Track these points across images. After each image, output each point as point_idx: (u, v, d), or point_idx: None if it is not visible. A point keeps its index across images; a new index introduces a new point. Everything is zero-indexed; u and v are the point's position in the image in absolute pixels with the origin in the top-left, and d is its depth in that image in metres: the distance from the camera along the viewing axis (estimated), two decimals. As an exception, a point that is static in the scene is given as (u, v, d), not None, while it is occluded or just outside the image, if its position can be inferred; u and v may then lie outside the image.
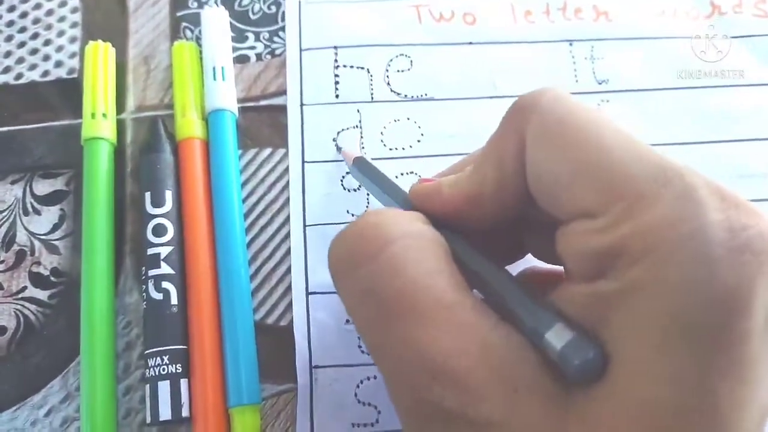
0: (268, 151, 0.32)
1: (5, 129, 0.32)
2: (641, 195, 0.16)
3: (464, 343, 0.17)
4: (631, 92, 0.33)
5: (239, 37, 0.34)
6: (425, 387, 0.17)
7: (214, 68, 0.32)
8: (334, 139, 0.31)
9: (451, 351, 0.17)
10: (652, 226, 0.16)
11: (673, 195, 0.16)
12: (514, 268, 0.26)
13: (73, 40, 0.34)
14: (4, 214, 0.31)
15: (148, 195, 0.29)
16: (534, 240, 0.24)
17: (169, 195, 0.30)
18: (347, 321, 0.28)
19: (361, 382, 0.27)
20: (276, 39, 0.34)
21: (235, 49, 0.34)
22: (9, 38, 0.34)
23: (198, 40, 0.34)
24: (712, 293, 0.15)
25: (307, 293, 0.29)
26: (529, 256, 0.25)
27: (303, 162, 0.31)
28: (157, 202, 0.29)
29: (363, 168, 0.28)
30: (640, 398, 0.15)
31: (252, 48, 0.34)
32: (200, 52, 0.33)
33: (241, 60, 0.34)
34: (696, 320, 0.15)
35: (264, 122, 0.33)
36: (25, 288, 0.29)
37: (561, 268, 0.23)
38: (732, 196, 0.16)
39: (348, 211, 0.30)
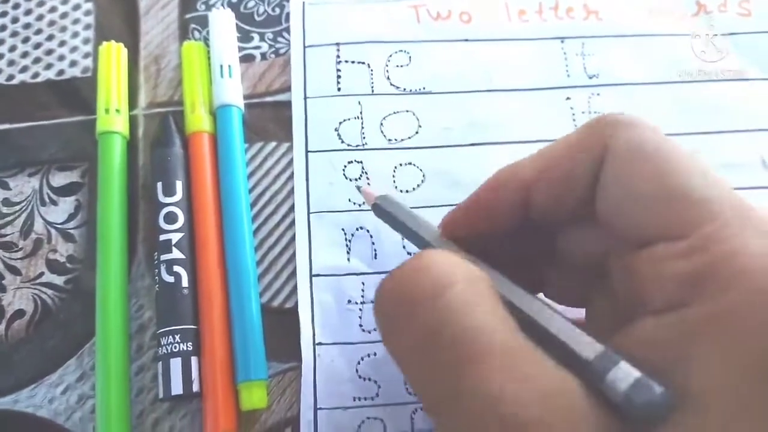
0: (272, 144, 0.33)
1: (23, 125, 0.34)
2: (726, 222, 0.16)
3: (531, 391, 0.16)
4: (620, 86, 0.34)
5: (245, 37, 0.36)
6: None
7: (221, 66, 0.33)
8: (335, 129, 0.33)
9: (520, 398, 0.16)
10: (742, 251, 0.16)
11: (755, 227, 0.16)
12: None
13: (86, 41, 0.36)
14: (23, 204, 0.32)
15: (159, 185, 0.31)
16: (558, 279, 0.24)
17: (179, 185, 0.31)
18: (349, 301, 0.30)
19: (362, 358, 0.29)
20: (280, 39, 0.36)
21: (240, 49, 0.35)
22: (26, 40, 0.36)
23: (206, 40, 0.35)
24: None
25: (311, 276, 0.30)
26: None
27: (306, 151, 0.32)
28: (169, 192, 0.31)
29: (385, 208, 0.27)
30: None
31: (257, 48, 0.36)
32: (208, 52, 0.35)
33: (246, 59, 0.35)
34: None
35: (269, 117, 0.34)
36: (42, 274, 0.31)
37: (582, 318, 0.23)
38: None
39: (350, 200, 0.31)
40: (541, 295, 0.24)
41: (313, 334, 0.29)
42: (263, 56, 0.35)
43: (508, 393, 0.16)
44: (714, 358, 0.15)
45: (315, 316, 0.29)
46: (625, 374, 0.16)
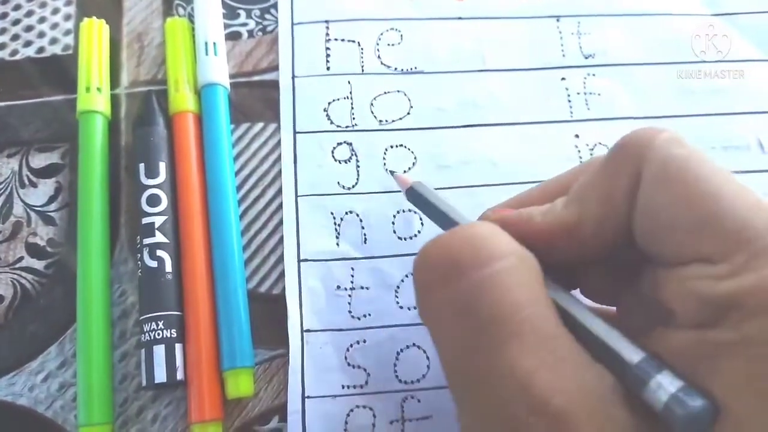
0: (260, 125, 0.32)
1: (1, 104, 0.33)
2: (764, 248, 0.16)
3: (564, 380, 0.17)
4: (617, 66, 0.34)
5: (231, 14, 0.35)
6: (521, 419, 0.16)
7: (206, 43, 0.32)
8: (324, 110, 0.32)
9: (552, 386, 0.16)
10: None
11: None
12: None
13: (67, 17, 0.35)
14: (1, 186, 0.31)
15: (142, 166, 0.30)
16: (591, 277, 0.23)
17: (162, 166, 0.30)
18: (338, 287, 0.29)
19: (351, 345, 0.28)
20: (267, 16, 0.35)
21: (227, 26, 0.34)
22: (4, 15, 0.35)
23: (190, 17, 0.34)
24: None
25: (299, 261, 0.29)
26: None
27: (294, 132, 0.32)
28: (151, 173, 0.30)
29: (421, 193, 0.27)
30: None
31: (244, 25, 0.35)
32: (193, 29, 0.33)
33: (233, 37, 0.34)
34: None
35: (256, 97, 0.33)
36: (21, 258, 0.30)
37: (613, 309, 0.23)
38: None
39: (339, 183, 0.31)
40: (579, 296, 0.24)
41: (301, 321, 0.28)
42: (250, 34, 0.34)
43: (540, 378, 0.16)
44: (734, 380, 0.16)
45: (303, 302, 0.29)
46: (668, 383, 0.16)
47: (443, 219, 0.26)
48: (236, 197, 0.31)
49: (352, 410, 0.27)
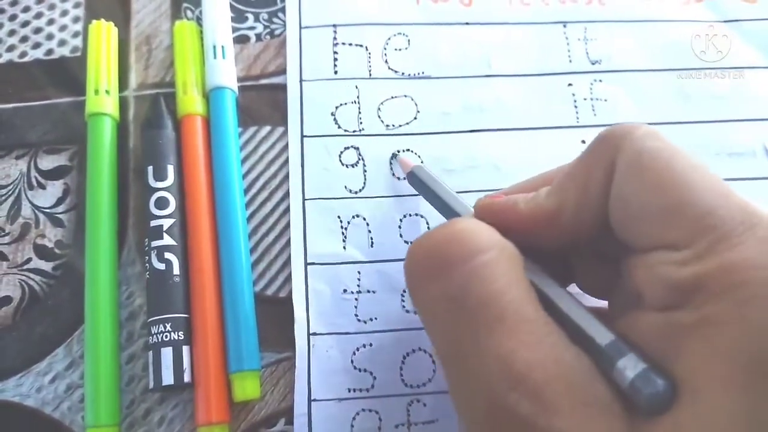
0: (267, 128, 0.33)
1: (10, 106, 0.33)
2: (727, 234, 0.17)
3: (543, 357, 0.18)
4: (623, 72, 0.34)
5: (239, 17, 0.35)
6: (503, 394, 0.18)
7: (214, 46, 0.32)
8: (332, 114, 0.32)
9: (531, 362, 0.17)
10: (736, 265, 0.16)
11: (758, 239, 0.17)
12: None
13: (76, 19, 0.35)
14: (9, 188, 0.31)
15: (150, 169, 0.30)
16: (584, 271, 0.24)
17: (170, 169, 0.30)
18: (344, 291, 0.29)
19: (357, 349, 0.28)
20: (275, 20, 0.35)
21: (234, 30, 0.34)
22: (13, 17, 0.35)
23: (198, 20, 0.34)
24: None
25: (306, 264, 0.29)
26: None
27: (302, 136, 0.32)
28: (160, 176, 0.30)
29: (421, 177, 0.29)
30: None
31: (252, 28, 0.35)
32: (201, 32, 0.34)
33: (241, 40, 0.34)
34: None
35: (263, 101, 0.33)
36: (30, 259, 0.30)
37: (604, 305, 0.23)
38: None
39: (346, 187, 0.31)
40: (573, 287, 0.25)
41: (308, 324, 0.28)
42: (258, 37, 0.35)
43: (523, 354, 0.18)
44: (693, 360, 0.16)
45: (310, 306, 0.29)
46: (633, 364, 0.17)
47: (441, 204, 0.27)
48: (243, 200, 0.31)
49: (357, 413, 0.27)
